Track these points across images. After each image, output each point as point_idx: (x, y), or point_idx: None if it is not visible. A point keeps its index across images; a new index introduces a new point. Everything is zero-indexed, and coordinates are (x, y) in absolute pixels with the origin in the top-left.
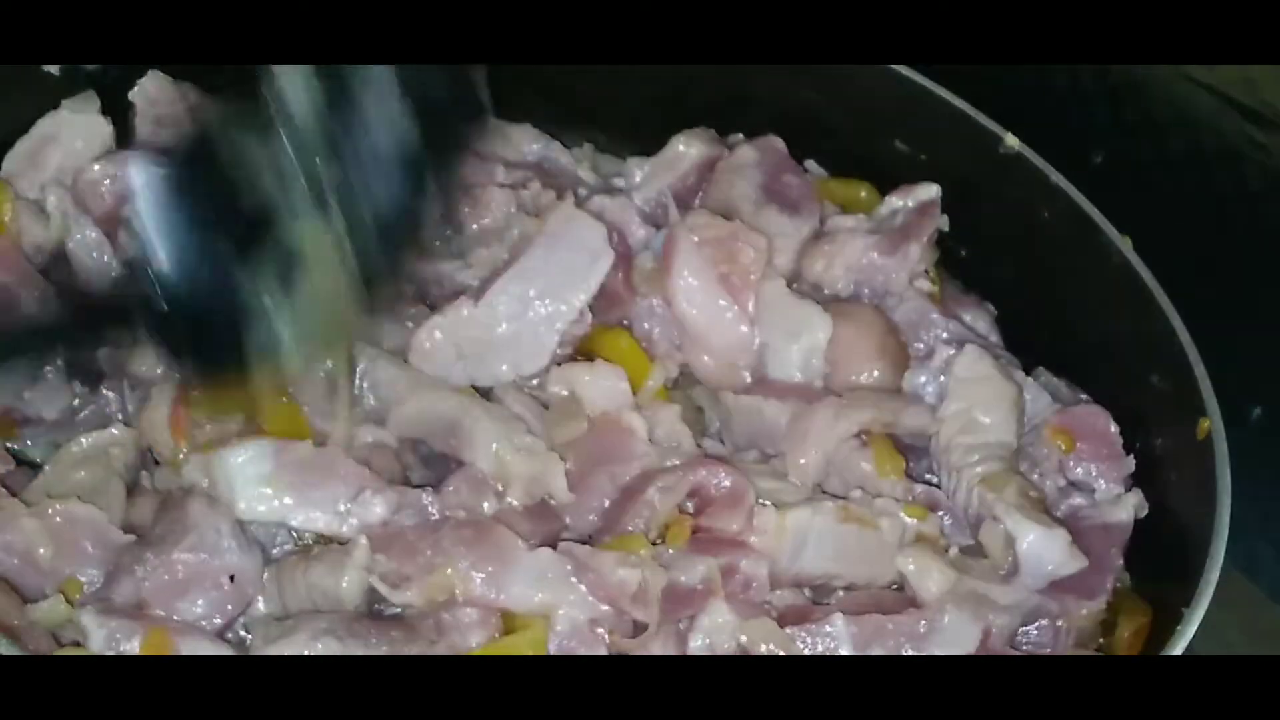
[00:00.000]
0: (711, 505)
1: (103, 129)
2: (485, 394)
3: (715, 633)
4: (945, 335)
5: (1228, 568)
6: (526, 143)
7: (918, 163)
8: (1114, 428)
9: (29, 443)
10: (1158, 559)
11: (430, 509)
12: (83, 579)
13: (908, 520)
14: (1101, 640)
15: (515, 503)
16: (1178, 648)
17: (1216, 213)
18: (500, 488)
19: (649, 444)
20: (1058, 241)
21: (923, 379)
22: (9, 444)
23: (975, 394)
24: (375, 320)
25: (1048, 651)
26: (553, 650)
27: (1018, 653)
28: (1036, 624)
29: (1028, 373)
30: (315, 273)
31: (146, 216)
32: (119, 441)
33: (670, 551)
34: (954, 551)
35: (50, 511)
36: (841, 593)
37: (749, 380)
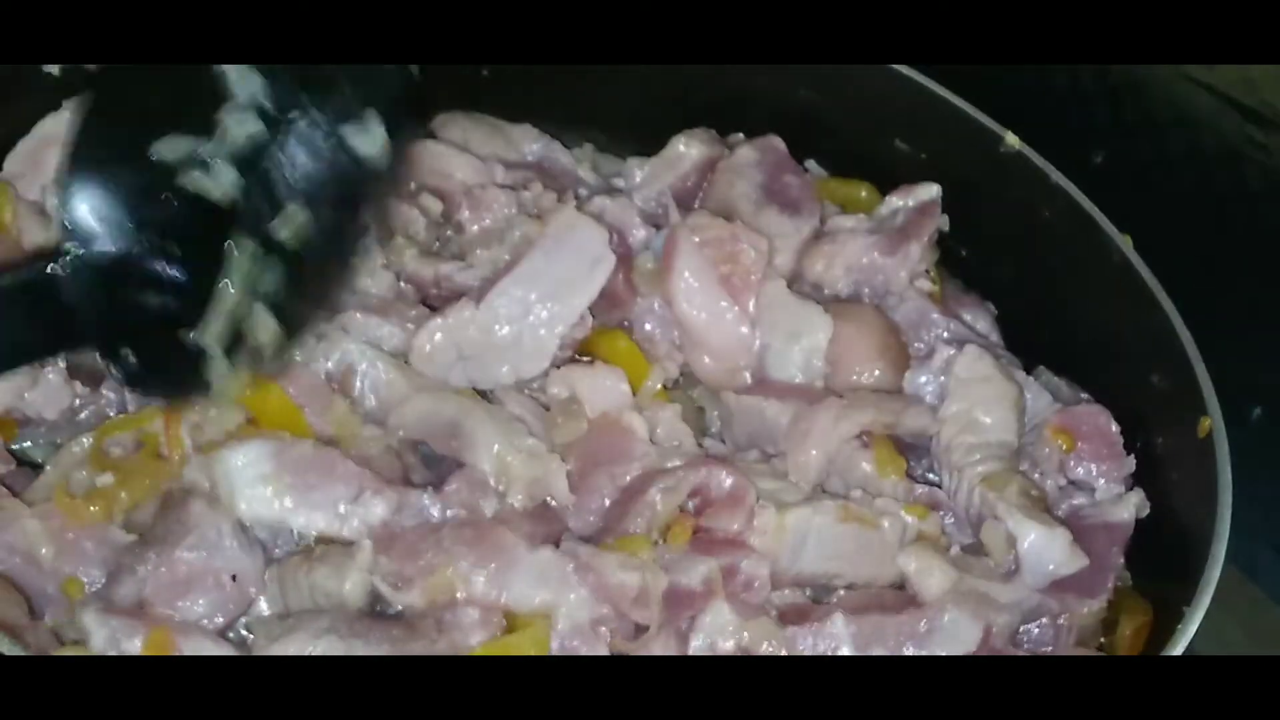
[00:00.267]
0: (712, 505)
1: None
2: (484, 395)
3: (716, 633)
4: (946, 335)
5: (1228, 567)
6: (527, 142)
7: (918, 162)
8: (1115, 427)
9: (30, 443)
10: (1159, 558)
11: (431, 509)
12: (84, 579)
13: (908, 519)
14: (1103, 639)
15: (516, 503)
16: (1178, 647)
17: (1216, 212)
18: (501, 488)
19: (649, 444)
20: (1058, 241)
21: (923, 379)
22: (10, 444)
23: (976, 394)
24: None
25: (1049, 650)
26: (554, 650)
27: (1019, 652)
28: (1038, 623)
29: (1028, 372)
30: (236, 283)
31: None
32: (119, 442)
33: (671, 552)
34: (955, 551)
35: (52, 512)
36: (842, 592)
37: (749, 381)
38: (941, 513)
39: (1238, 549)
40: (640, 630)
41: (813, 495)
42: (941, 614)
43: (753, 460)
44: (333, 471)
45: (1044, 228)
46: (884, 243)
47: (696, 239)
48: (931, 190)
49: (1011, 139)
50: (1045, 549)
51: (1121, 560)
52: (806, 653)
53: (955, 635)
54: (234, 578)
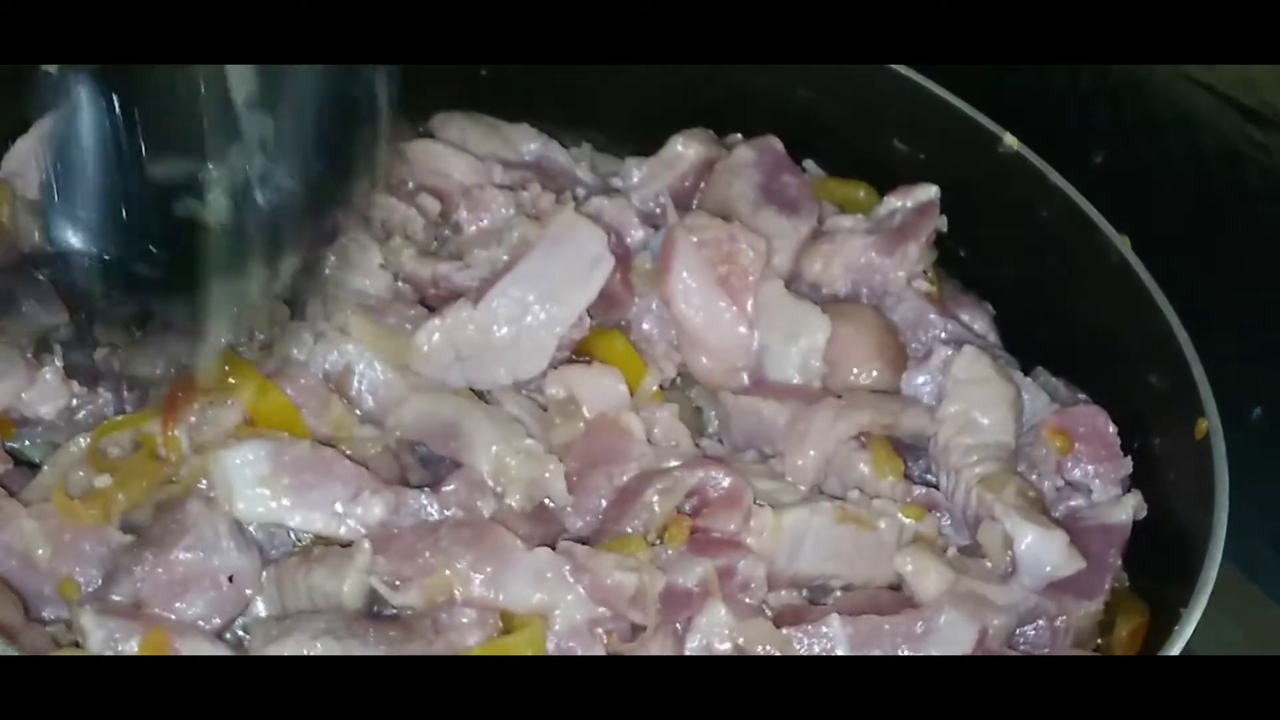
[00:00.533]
0: (710, 506)
1: None
2: (481, 396)
3: (712, 633)
4: (943, 335)
5: (1228, 568)
6: (524, 142)
7: (916, 162)
8: (1112, 428)
9: (27, 443)
10: (1156, 559)
11: (429, 510)
12: (81, 579)
13: (906, 520)
14: (1099, 640)
15: (514, 504)
16: (1175, 648)
17: (1216, 213)
18: (499, 489)
19: (647, 445)
20: (1056, 241)
21: (921, 379)
22: (7, 444)
23: (974, 395)
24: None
25: (1045, 652)
26: (551, 650)
27: (1015, 653)
28: (1034, 624)
29: (1026, 373)
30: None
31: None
32: (117, 442)
33: (668, 553)
34: (952, 552)
35: (49, 512)
36: (839, 593)
37: (747, 381)
38: (938, 514)
39: (1237, 549)
40: (637, 631)
41: (810, 496)
42: (938, 615)
43: (750, 461)
44: (330, 472)
45: (1042, 228)
46: (882, 243)
47: (694, 239)
48: (930, 191)
49: (1010, 139)
50: (1043, 550)
51: (1119, 562)
52: (802, 653)
53: (951, 636)
54: (231, 578)
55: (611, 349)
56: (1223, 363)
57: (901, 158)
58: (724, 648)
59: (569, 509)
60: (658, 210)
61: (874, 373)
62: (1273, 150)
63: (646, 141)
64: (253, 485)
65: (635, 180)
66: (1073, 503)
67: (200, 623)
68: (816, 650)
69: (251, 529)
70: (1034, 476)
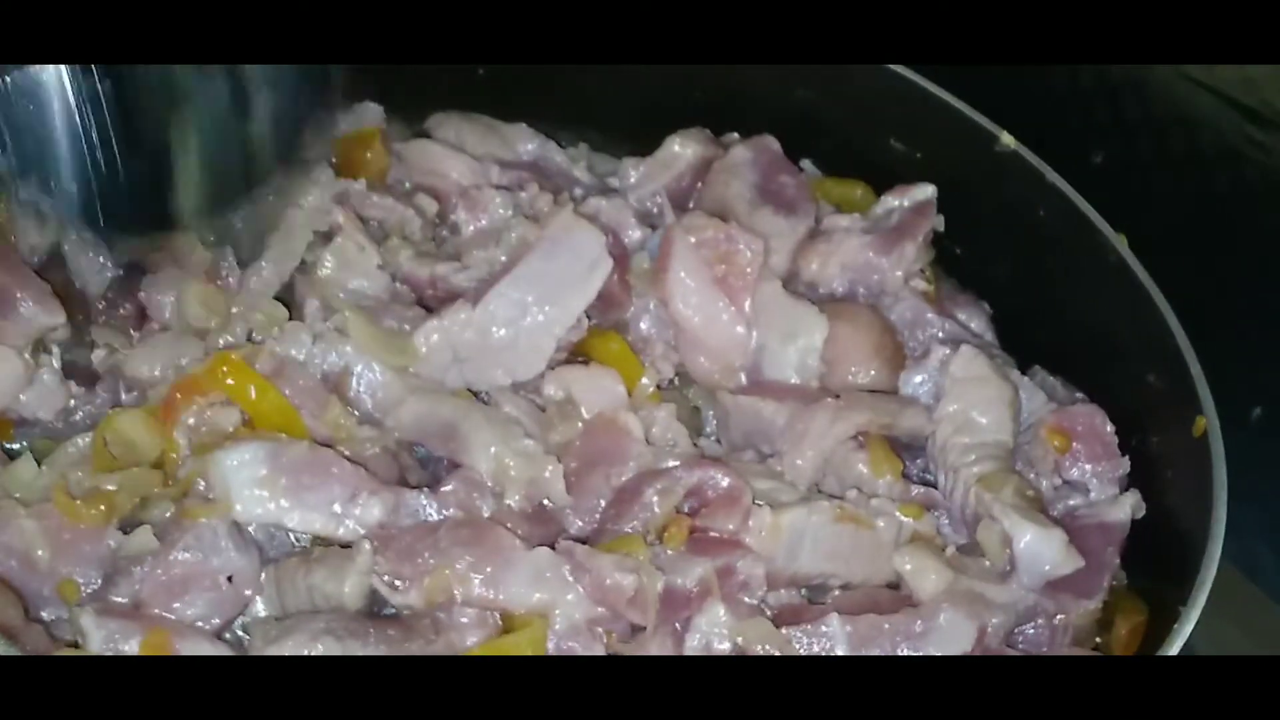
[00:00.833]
0: (708, 506)
1: None
2: (479, 397)
3: (711, 633)
4: (941, 334)
5: (1227, 568)
6: (521, 142)
7: (913, 162)
8: (1109, 427)
9: (25, 443)
10: (1154, 558)
11: (428, 510)
12: (80, 580)
13: (904, 520)
14: (1098, 639)
15: (513, 504)
16: (1174, 647)
17: (1216, 213)
18: (498, 489)
19: (645, 445)
20: (1053, 240)
21: (919, 378)
22: (5, 445)
23: (971, 394)
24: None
25: (1044, 650)
26: (551, 650)
27: (1014, 652)
28: (1033, 623)
29: (1024, 372)
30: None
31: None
32: (116, 442)
33: (667, 553)
34: (950, 551)
35: (49, 512)
36: (838, 592)
37: (745, 381)
38: (937, 513)
39: (1237, 548)
40: (637, 630)
41: (808, 495)
42: (937, 614)
43: (748, 460)
44: (328, 472)
45: (1039, 227)
46: (879, 242)
47: (692, 239)
48: (927, 190)
49: (1007, 138)
50: (1041, 549)
51: (1117, 560)
52: (802, 653)
53: (950, 635)
54: (230, 579)
55: (608, 349)
56: (1222, 362)
57: (898, 157)
58: (723, 647)
59: (568, 509)
60: (655, 210)
61: (871, 372)
62: (1273, 150)
63: (643, 141)
64: (251, 486)
65: (632, 180)
66: (1071, 501)
67: (200, 623)
68: (816, 649)
69: (250, 529)
70: (1032, 475)
